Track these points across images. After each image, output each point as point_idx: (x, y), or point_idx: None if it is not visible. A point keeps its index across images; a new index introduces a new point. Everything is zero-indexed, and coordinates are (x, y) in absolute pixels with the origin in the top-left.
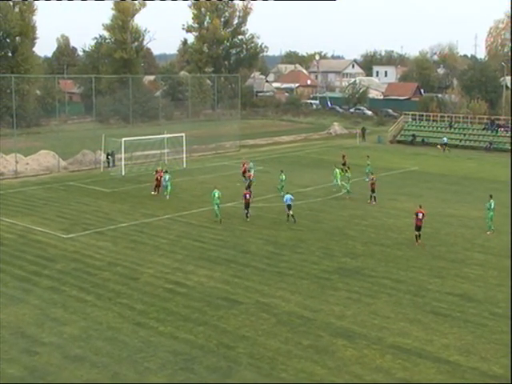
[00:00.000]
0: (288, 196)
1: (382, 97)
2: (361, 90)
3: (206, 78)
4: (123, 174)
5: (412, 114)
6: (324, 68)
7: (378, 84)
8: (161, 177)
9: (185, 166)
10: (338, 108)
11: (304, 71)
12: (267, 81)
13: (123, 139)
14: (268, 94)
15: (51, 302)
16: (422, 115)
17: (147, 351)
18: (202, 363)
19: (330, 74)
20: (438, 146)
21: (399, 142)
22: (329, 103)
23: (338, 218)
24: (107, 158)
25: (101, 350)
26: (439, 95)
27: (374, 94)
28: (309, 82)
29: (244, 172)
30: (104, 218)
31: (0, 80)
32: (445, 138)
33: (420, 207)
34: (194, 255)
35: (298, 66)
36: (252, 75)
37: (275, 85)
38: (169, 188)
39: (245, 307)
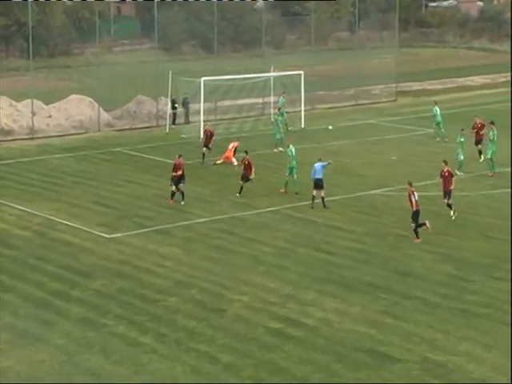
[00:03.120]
0: (319, 164)
1: None
2: None
3: None
4: (201, 136)
5: None
6: None
7: None
8: (208, 132)
9: (303, 124)
10: None
11: None
12: None
13: (203, 79)
14: (447, 3)
15: (85, 342)
16: None
17: None
18: None
19: None
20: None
21: None
22: None
23: None
24: (173, 108)
25: None
26: None
27: None
28: None
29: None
30: (171, 208)
31: None
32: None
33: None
34: (316, 275)
35: None
36: None
37: None
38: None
39: (403, 367)
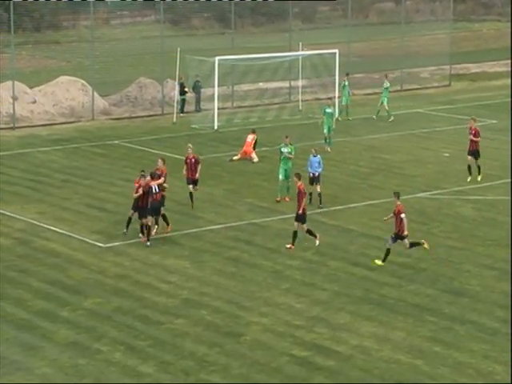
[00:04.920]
0: (316, 159)
1: None
2: None
3: None
4: (216, 126)
5: None
6: None
7: None
8: (191, 159)
9: (337, 114)
10: None
11: None
12: None
13: (217, 58)
14: None
15: (75, 371)
16: None
17: None
18: None
19: None
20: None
21: None
22: None
23: None
24: (182, 93)
25: None
26: None
27: None
28: None
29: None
30: (178, 212)
31: None
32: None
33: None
34: (351, 294)
35: None
36: None
37: None
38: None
39: None
